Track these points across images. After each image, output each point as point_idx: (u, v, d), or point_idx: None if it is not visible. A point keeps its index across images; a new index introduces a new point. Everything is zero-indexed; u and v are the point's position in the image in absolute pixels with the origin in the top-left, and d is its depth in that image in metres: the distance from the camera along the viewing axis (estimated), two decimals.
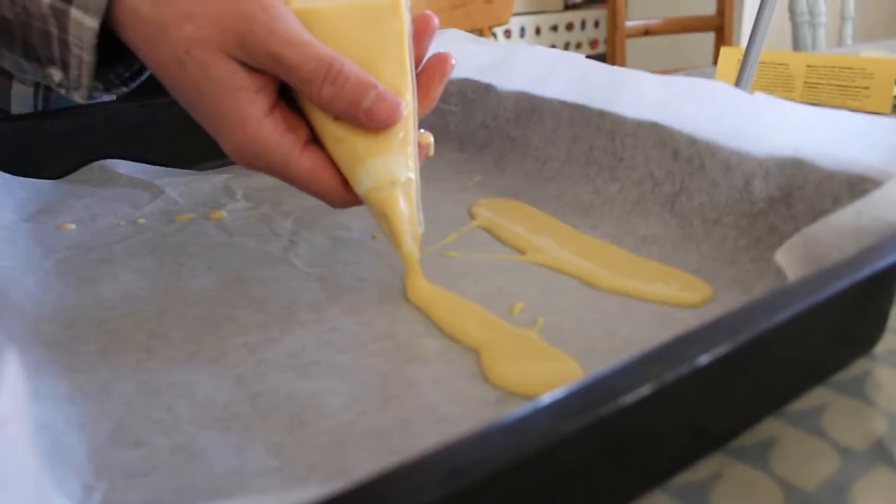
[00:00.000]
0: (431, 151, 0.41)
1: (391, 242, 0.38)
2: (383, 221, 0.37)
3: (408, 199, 0.37)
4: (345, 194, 0.38)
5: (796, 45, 1.51)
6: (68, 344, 0.35)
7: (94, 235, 0.47)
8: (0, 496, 0.16)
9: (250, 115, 0.36)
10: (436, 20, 0.41)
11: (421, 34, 0.40)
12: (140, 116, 0.59)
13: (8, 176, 0.52)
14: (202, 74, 0.36)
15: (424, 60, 0.41)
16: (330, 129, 0.37)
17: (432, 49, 0.42)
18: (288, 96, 0.38)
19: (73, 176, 0.56)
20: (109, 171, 0.56)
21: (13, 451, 0.16)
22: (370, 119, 0.36)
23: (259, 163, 0.37)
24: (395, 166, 0.37)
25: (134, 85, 0.47)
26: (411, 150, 0.38)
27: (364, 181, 0.37)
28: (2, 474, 0.16)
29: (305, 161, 0.37)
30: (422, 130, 0.40)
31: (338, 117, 0.37)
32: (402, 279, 0.40)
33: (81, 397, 0.31)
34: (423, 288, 0.39)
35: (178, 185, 0.55)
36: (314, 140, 0.38)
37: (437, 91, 0.41)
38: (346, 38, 0.38)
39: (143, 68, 0.47)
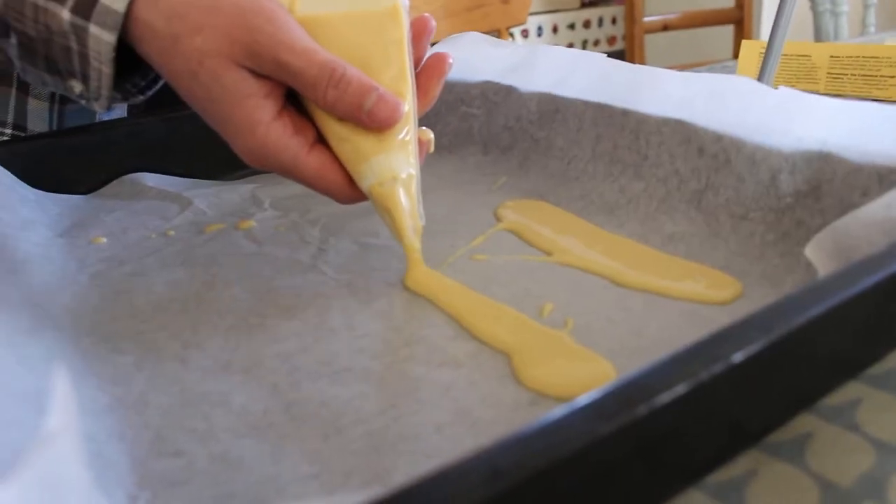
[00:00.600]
0: (432, 148, 0.43)
1: (394, 235, 0.41)
2: (386, 215, 0.40)
3: (409, 194, 0.40)
4: (350, 191, 0.40)
5: (818, 35, 1.50)
6: (106, 356, 0.36)
7: (125, 249, 0.48)
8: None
9: (259, 119, 0.38)
10: (433, 22, 0.43)
11: (419, 36, 0.43)
12: (166, 129, 0.59)
13: (41, 192, 0.54)
14: (214, 83, 0.38)
15: (424, 61, 0.43)
16: (334, 130, 0.39)
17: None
18: (295, 100, 0.40)
19: (103, 190, 0.57)
20: (138, 185, 0.57)
21: (66, 462, 0.17)
22: (372, 120, 0.38)
23: (270, 164, 0.39)
24: (397, 163, 0.39)
25: (150, 93, 0.50)
26: (412, 148, 0.40)
27: (367, 178, 0.39)
28: (56, 485, 0.16)
29: (313, 161, 0.39)
30: (423, 128, 0.42)
31: (341, 119, 0.39)
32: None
33: (121, 408, 0.32)
34: (424, 276, 0.41)
35: (206, 196, 0.55)
36: (320, 140, 0.40)
37: (436, 90, 0.43)
38: (348, 44, 0.40)
39: (157, 78, 0.49)
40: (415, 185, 0.40)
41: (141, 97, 0.49)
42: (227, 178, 0.60)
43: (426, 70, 0.43)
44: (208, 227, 0.50)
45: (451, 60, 0.43)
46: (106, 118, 0.65)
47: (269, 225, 0.50)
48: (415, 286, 0.40)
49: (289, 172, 0.40)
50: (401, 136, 0.40)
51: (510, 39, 1.78)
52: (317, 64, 0.38)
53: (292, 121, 0.39)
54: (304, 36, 0.38)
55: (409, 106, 0.40)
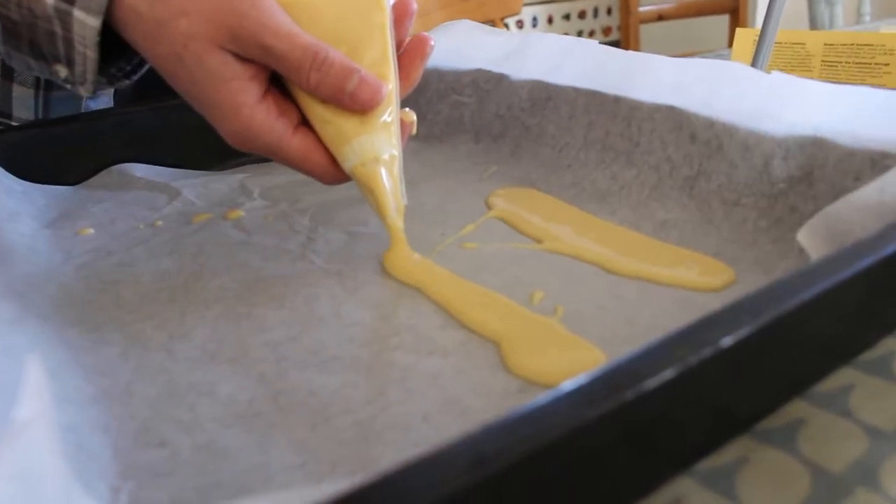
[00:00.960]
0: (415, 129, 0.44)
1: (377, 214, 0.41)
2: (369, 195, 0.41)
3: (391, 174, 0.40)
4: (334, 171, 0.41)
5: (813, 23, 1.49)
6: (91, 347, 0.35)
7: (113, 239, 0.47)
8: (27, 497, 0.16)
9: (244, 102, 0.39)
10: (414, 5, 0.44)
11: (401, 18, 0.43)
12: (154, 120, 0.59)
13: (27, 183, 0.53)
14: (198, 66, 0.38)
15: (405, 43, 0.44)
16: (318, 112, 0.40)
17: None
18: (279, 83, 0.41)
19: (90, 181, 0.56)
20: (126, 175, 0.56)
21: (38, 451, 0.17)
22: (354, 101, 0.39)
23: (254, 146, 0.40)
24: (379, 144, 0.40)
25: (135, 77, 0.50)
26: (394, 129, 0.41)
27: (350, 159, 0.40)
28: (27, 475, 0.16)
29: (297, 142, 0.40)
30: (406, 109, 0.43)
31: (325, 101, 0.40)
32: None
33: (105, 399, 0.31)
34: (406, 255, 0.41)
35: (194, 186, 0.55)
36: (304, 123, 0.41)
37: (418, 72, 0.44)
38: (330, 27, 0.40)
39: (143, 62, 0.49)
40: (397, 166, 0.41)
41: (126, 81, 0.50)
42: (216, 169, 0.59)
43: (408, 52, 0.43)
44: (196, 217, 0.50)
45: (432, 43, 0.44)
46: (92, 104, 0.64)
47: (257, 214, 0.50)
48: (395, 265, 0.41)
49: (273, 154, 0.40)
50: (383, 118, 0.40)
51: (505, 30, 1.78)
52: (300, 47, 0.38)
53: (276, 103, 0.40)
54: (287, 20, 0.39)
55: (391, 88, 0.41)
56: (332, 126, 0.40)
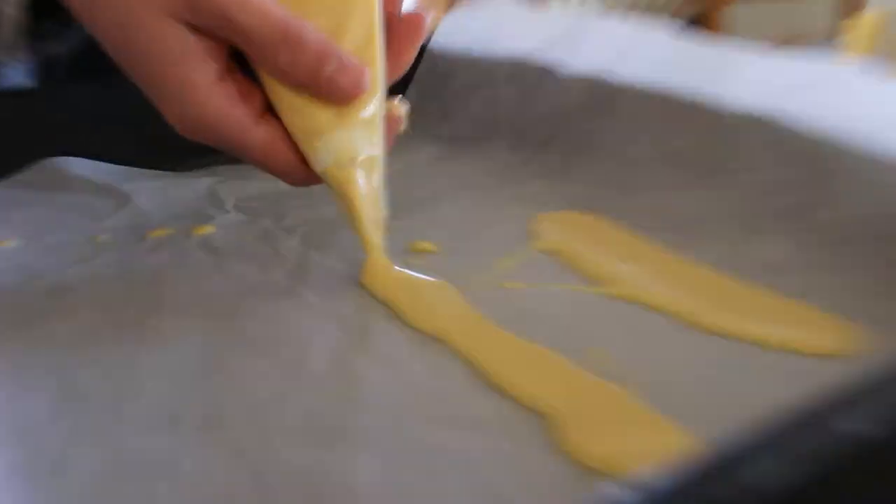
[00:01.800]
0: (404, 126, 0.45)
1: (350, 226, 0.43)
2: (342, 203, 0.43)
3: (369, 179, 0.42)
4: (302, 170, 0.43)
5: None
6: (13, 400, 0.35)
7: (43, 256, 0.47)
8: None
9: (197, 81, 0.40)
10: None
11: None
12: (97, 101, 0.59)
13: None
14: (145, 38, 0.40)
15: (398, 20, 0.45)
16: (287, 100, 0.42)
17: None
18: (243, 61, 0.42)
19: (13, 178, 0.57)
20: (61, 173, 0.57)
21: None
22: (331, 89, 0.41)
23: (208, 135, 0.42)
24: (358, 142, 0.42)
25: (68, 44, 0.53)
26: (377, 125, 0.43)
27: (323, 157, 0.42)
28: None
29: (260, 133, 0.42)
30: (397, 99, 0.44)
31: (296, 87, 0.41)
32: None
33: (30, 472, 0.31)
34: (383, 272, 0.43)
35: (149, 190, 0.55)
36: (271, 111, 0.43)
37: (410, 56, 0.46)
38: (308, 1, 0.42)
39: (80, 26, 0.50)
40: (378, 170, 0.43)
41: (58, 48, 0.53)
42: (178, 169, 0.59)
43: (399, 31, 0.45)
44: (152, 233, 0.50)
45: (428, 21, 0.45)
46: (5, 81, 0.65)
47: (232, 232, 0.50)
48: (371, 285, 0.43)
49: (230, 146, 0.42)
50: (364, 110, 0.42)
51: (550, 6, 1.79)
52: (269, 22, 0.40)
53: (237, 85, 0.42)
54: None
55: (376, 75, 0.42)
56: (302, 117, 0.41)
